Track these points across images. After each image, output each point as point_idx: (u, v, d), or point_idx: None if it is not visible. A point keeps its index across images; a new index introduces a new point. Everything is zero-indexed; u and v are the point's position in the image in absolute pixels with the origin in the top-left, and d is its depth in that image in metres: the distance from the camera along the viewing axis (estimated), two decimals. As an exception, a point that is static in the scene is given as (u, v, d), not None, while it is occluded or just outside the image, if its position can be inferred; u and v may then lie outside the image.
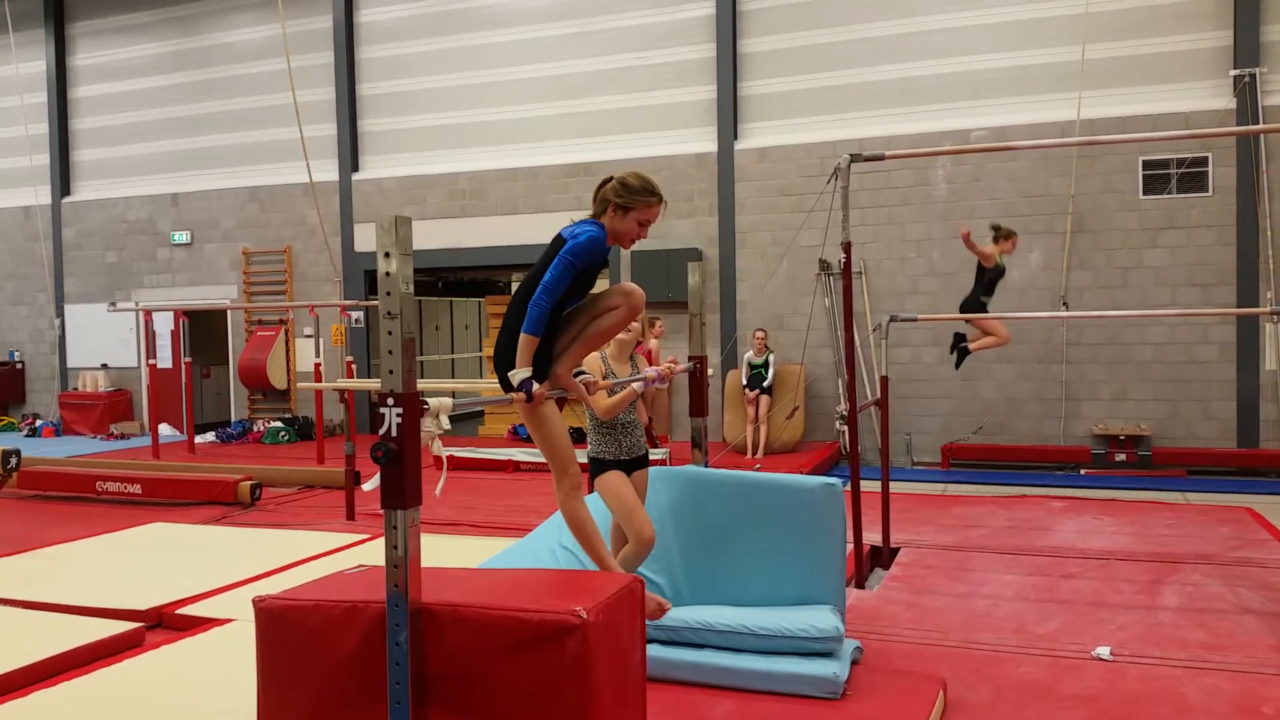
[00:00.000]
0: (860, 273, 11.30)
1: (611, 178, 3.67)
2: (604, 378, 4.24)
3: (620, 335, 4.36)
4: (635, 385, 4.29)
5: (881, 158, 5.90)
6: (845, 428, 10.79)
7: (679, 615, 4.19)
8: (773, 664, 3.95)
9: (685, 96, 12.38)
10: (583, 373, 3.92)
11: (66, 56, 15.72)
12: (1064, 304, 10.73)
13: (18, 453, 9.60)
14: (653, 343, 10.39)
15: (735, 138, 12.09)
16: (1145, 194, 10.58)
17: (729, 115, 12.06)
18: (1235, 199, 10.28)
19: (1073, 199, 10.70)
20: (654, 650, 3.91)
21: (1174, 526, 7.35)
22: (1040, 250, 10.94)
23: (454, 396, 3.02)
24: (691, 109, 12.35)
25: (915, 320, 7.88)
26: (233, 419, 14.82)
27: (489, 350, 14.03)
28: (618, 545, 4.25)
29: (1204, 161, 10.36)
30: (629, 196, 3.61)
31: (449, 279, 17.35)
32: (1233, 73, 10.23)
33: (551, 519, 5.24)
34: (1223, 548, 6.61)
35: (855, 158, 5.75)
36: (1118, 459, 10.45)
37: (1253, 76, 10.11)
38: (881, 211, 11.40)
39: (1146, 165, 10.54)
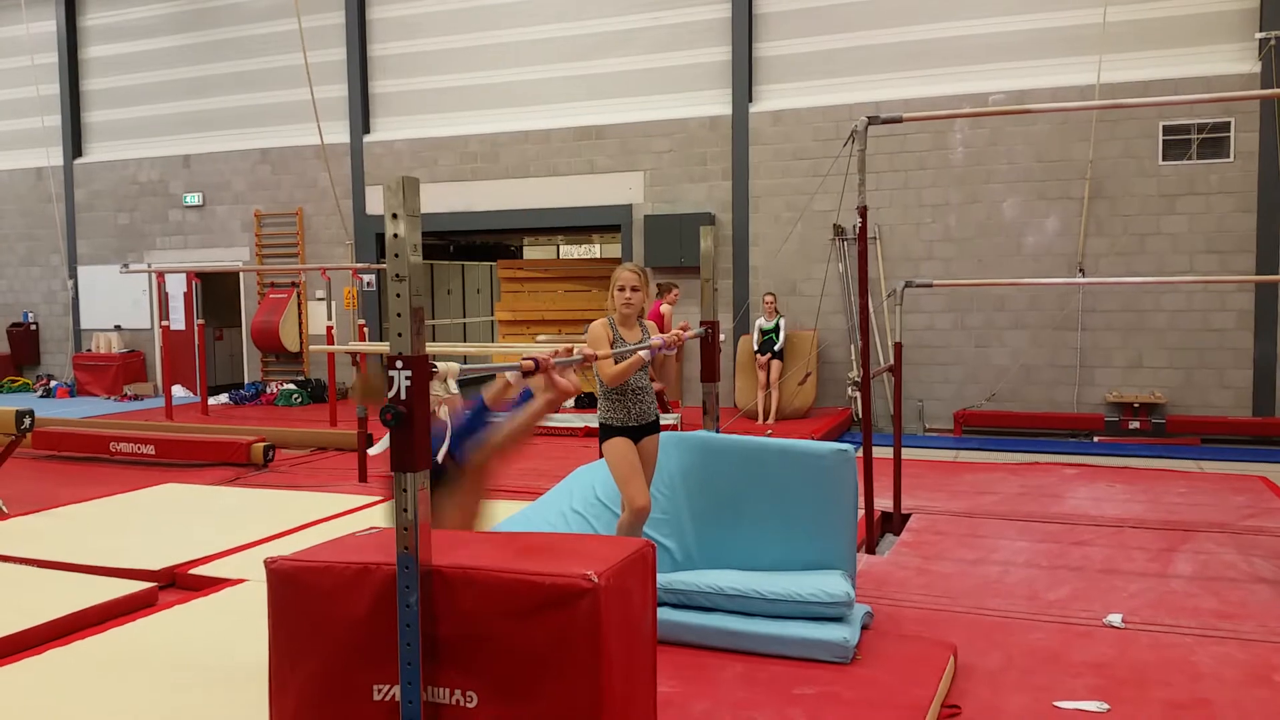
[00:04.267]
0: (875, 238, 11.21)
1: None
2: (611, 344, 4.23)
3: (625, 304, 4.35)
4: (641, 353, 4.26)
5: (899, 120, 5.81)
6: (858, 394, 10.76)
7: (690, 579, 4.20)
8: (783, 628, 3.96)
9: (699, 58, 12.24)
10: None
11: (77, 17, 15.62)
12: (1080, 270, 10.64)
13: (31, 413, 9.62)
14: (665, 308, 10.35)
15: (750, 100, 11.95)
16: (1165, 160, 10.44)
17: (744, 77, 11.92)
18: (1257, 165, 10.12)
19: (1091, 164, 10.57)
20: (665, 613, 3.92)
21: (1187, 495, 7.32)
22: (1056, 216, 10.83)
23: (465, 361, 3.01)
24: (706, 71, 12.21)
25: (930, 286, 7.81)
26: (246, 381, 14.87)
27: (501, 315, 14.03)
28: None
29: (1226, 127, 10.21)
30: None
31: (460, 243, 17.29)
32: (1259, 35, 10.03)
33: (563, 483, 5.25)
34: (1236, 516, 6.58)
35: (873, 120, 5.68)
36: (1131, 426, 10.39)
37: (1279, 39, 9.93)
38: (898, 176, 11.29)
39: (1167, 130, 10.39)
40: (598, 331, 4.31)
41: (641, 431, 4.30)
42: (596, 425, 4.40)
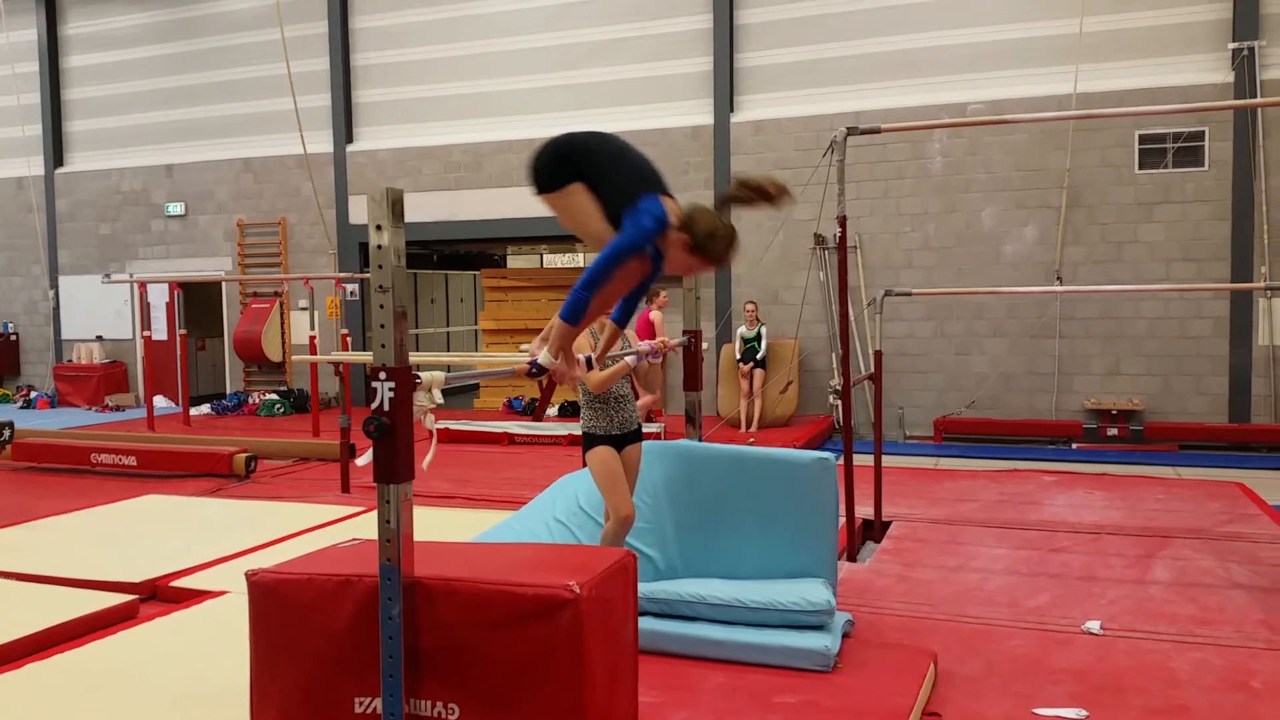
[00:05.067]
0: (855, 247, 11.28)
1: (709, 216, 3.42)
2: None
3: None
4: (628, 359, 4.30)
5: (878, 130, 5.87)
6: (839, 402, 10.80)
7: (672, 588, 4.21)
8: (764, 636, 3.98)
9: (681, 68, 12.29)
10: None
11: (58, 25, 15.55)
12: (1058, 278, 10.73)
13: (11, 424, 9.58)
14: (655, 314, 10.33)
15: (731, 110, 12.02)
16: (1141, 168, 10.55)
17: (725, 87, 11.98)
18: (1231, 174, 10.25)
19: (1068, 173, 10.67)
20: (646, 623, 3.93)
21: (1164, 501, 7.39)
22: (1035, 224, 10.92)
23: (449, 370, 3.03)
24: (687, 81, 12.27)
25: (910, 294, 7.87)
26: (228, 391, 14.81)
27: (484, 324, 14.02)
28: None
29: (1200, 136, 10.33)
30: (709, 245, 3.39)
31: (444, 252, 17.29)
32: (1231, 46, 10.17)
33: (546, 492, 5.26)
34: (1213, 522, 6.64)
35: (852, 130, 5.73)
36: (1109, 433, 10.48)
37: (1251, 50, 10.06)
38: (877, 185, 11.37)
39: (1142, 139, 10.50)
40: (581, 341, 4.33)
41: (624, 440, 4.33)
42: (580, 435, 4.42)
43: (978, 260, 11.11)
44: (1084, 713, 3.65)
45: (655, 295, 10.59)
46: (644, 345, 4.38)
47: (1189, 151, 10.35)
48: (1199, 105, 5.99)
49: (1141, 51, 10.54)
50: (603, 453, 4.24)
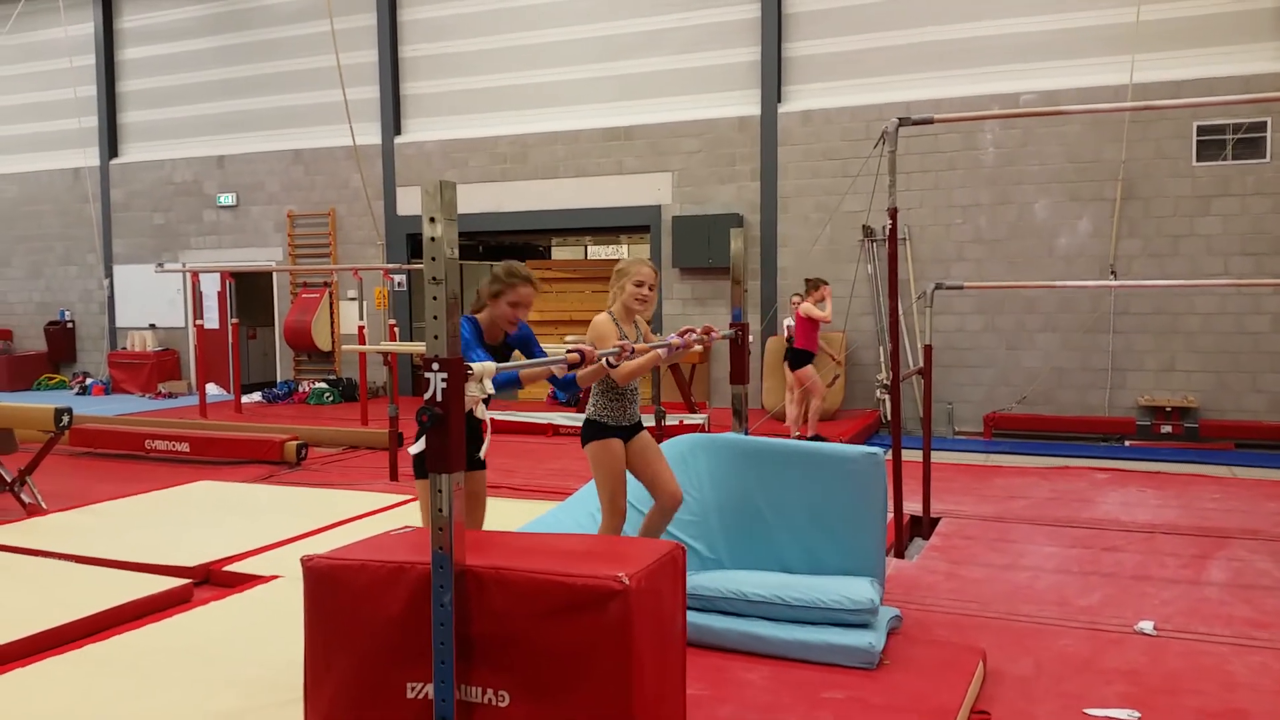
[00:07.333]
0: (905, 239, 11.15)
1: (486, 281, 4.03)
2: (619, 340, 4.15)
3: (640, 300, 4.27)
4: (659, 351, 4.23)
5: (930, 121, 5.79)
6: (886, 396, 10.70)
7: (713, 583, 4.20)
8: (808, 633, 3.95)
9: (728, 58, 12.23)
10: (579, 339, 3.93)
11: (113, 19, 15.83)
12: (1112, 273, 10.54)
13: (70, 411, 9.78)
14: (805, 306, 9.58)
15: (779, 100, 11.94)
16: (1199, 160, 10.32)
17: (773, 77, 11.91)
18: (1294, 166, 10.00)
19: (1123, 165, 10.47)
20: (690, 617, 3.91)
21: (1220, 500, 7.25)
22: (1089, 217, 10.74)
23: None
24: (735, 71, 12.20)
25: (961, 288, 7.77)
26: (278, 379, 15.02)
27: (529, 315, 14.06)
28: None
29: (1262, 127, 10.08)
30: (496, 286, 3.98)
31: (490, 243, 17.37)
32: (1295, 35, 9.92)
33: (591, 483, 5.27)
34: (1271, 523, 6.50)
35: (904, 121, 5.67)
36: (1164, 431, 10.28)
37: (1316, 39, 9.80)
38: (928, 177, 11.23)
39: (1201, 131, 10.27)
40: (604, 328, 4.18)
41: (631, 432, 4.27)
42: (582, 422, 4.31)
43: (1030, 253, 10.95)
44: (1136, 714, 3.59)
45: (817, 287, 9.73)
46: (674, 338, 4.34)
47: (1249, 143, 10.11)
48: (1261, 95, 5.81)
49: (1200, 40, 10.30)
50: (614, 447, 4.15)
